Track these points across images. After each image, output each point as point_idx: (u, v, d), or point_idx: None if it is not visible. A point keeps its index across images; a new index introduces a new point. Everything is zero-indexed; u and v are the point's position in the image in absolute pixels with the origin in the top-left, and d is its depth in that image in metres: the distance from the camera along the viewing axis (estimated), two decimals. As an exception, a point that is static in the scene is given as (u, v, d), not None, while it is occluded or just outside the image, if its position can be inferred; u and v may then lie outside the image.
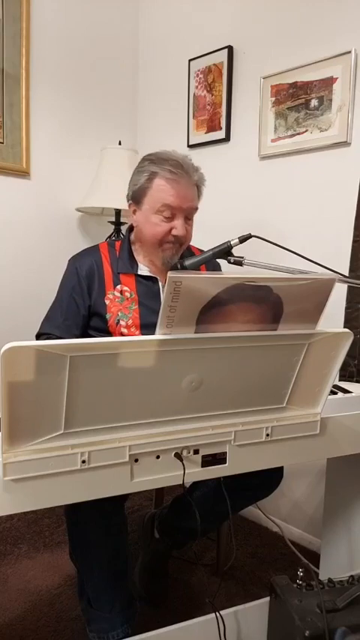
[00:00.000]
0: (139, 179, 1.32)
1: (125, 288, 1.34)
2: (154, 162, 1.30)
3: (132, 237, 1.41)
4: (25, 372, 0.72)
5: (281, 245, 1.24)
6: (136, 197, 1.34)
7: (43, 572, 1.65)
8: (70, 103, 2.20)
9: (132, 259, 1.38)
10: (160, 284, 1.37)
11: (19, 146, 2.05)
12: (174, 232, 1.30)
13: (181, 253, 1.36)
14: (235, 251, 1.24)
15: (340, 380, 1.53)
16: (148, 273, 1.37)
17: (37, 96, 2.08)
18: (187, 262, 1.26)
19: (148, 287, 1.36)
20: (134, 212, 1.36)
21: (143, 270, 1.37)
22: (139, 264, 1.38)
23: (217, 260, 1.32)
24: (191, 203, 1.31)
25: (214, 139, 2.06)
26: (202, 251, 1.43)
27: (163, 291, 1.36)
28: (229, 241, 1.23)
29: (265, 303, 0.83)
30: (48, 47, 2.10)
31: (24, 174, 2.08)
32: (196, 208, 1.35)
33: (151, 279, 1.37)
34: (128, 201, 1.38)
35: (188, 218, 1.33)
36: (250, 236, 1.24)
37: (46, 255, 2.14)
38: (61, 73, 2.16)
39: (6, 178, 2.04)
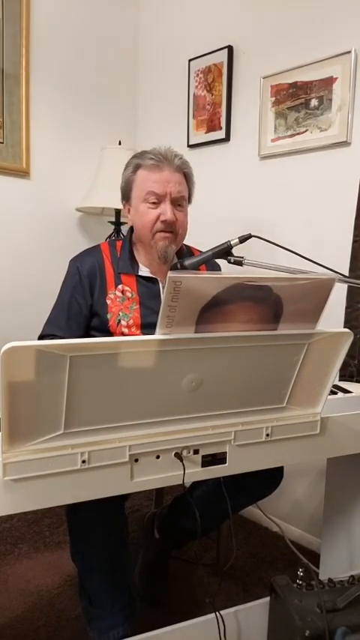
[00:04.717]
0: (125, 175, 1.37)
1: (126, 288, 1.34)
2: (137, 157, 1.35)
3: (133, 238, 1.41)
4: (25, 372, 0.72)
5: (281, 245, 1.24)
6: (125, 193, 1.38)
7: (43, 572, 1.65)
8: (70, 102, 2.20)
9: (133, 260, 1.38)
10: (160, 284, 1.37)
11: (19, 146, 2.05)
12: (162, 218, 1.30)
13: (177, 245, 1.36)
14: (235, 251, 1.24)
15: (340, 380, 1.53)
16: (148, 274, 1.37)
17: (37, 96, 2.08)
18: (187, 262, 1.26)
19: (148, 288, 1.36)
20: (128, 211, 1.38)
21: (144, 270, 1.37)
22: (139, 265, 1.38)
23: (217, 260, 1.32)
24: (177, 188, 1.31)
25: (214, 138, 2.06)
26: (201, 252, 1.43)
27: (163, 291, 1.36)
28: (229, 241, 1.23)
29: (265, 302, 0.83)
30: (48, 47, 2.10)
31: (24, 174, 2.08)
32: (185, 196, 1.35)
33: (152, 280, 1.37)
34: (122, 201, 1.41)
35: (180, 205, 1.33)
36: (250, 236, 1.24)
37: (46, 255, 2.14)
38: (61, 73, 2.16)
39: (6, 178, 2.04)
